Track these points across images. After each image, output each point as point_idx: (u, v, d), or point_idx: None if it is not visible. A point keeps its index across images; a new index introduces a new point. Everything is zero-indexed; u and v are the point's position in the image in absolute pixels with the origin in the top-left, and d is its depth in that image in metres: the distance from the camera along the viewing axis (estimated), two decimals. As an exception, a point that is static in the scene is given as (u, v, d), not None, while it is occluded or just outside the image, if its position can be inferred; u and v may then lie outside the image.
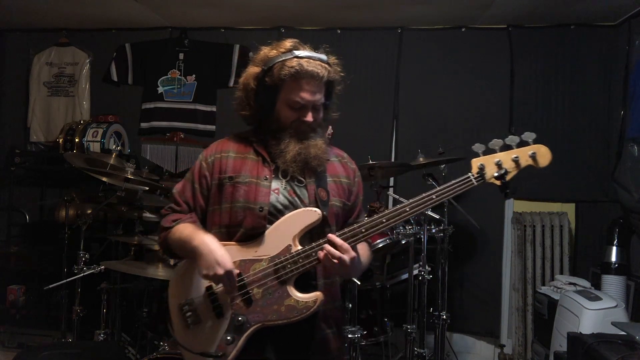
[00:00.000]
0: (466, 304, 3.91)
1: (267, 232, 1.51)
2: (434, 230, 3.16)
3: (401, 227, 2.99)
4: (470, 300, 3.91)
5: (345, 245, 1.42)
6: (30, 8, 4.01)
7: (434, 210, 3.07)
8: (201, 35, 4.35)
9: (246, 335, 1.47)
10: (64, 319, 3.15)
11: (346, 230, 1.47)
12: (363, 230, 1.47)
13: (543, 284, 3.71)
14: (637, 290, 3.28)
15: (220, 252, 1.44)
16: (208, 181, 1.59)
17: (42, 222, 4.39)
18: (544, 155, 1.47)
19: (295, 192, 1.56)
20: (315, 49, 1.57)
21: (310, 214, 1.49)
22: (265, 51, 1.58)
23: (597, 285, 3.44)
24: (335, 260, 1.41)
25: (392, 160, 3.98)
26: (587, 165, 3.77)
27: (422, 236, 3.03)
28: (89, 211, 3.27)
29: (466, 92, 3.96)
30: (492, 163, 1.48)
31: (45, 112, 4.51)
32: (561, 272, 3.71)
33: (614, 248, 3.40)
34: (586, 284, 3.38)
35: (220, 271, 1.41)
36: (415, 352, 3.00)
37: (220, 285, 1.47)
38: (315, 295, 1.47)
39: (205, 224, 1.60)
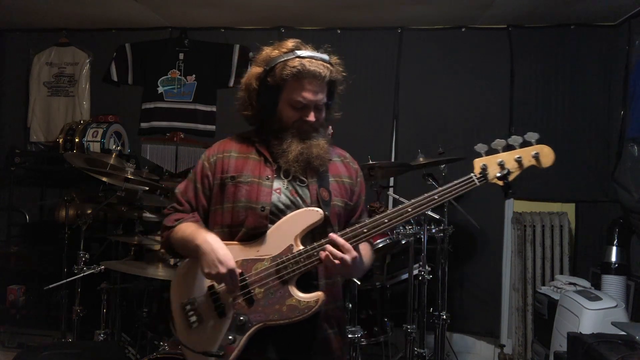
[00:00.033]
0: (466, 304, 3.91)
1: (269, 231, 1.51)
2: (434, 230, 3.16)
3: (401, 227, 2.99)
4: (470, 300, 3.91)
5: (347, 245, 1.42)
6: (30, 8, 4.01)
7: (434, 210, 3.07)
8: (201, 35, 4.35)
9: (248, 335, 1.47)
10: (64, 319, 3.15)
11: (348, 230, 1.47)
12: (365, 230, 1.47)
13: (543, 284, 3.71)
14: (637, 290, 3.28)
15: (223, 251, 1.44)
16: (210, 181, 1.60)
17: (42, 222, 4.39)
18: (547, 155, 1.46)
19: (297, 192, 1.56)
20: (316, 49, 1.57)
21: (312, 214, 1.49)
22: (267, 51, 1.58)
23: (597, 285, 3.44)
24: (336, 261, 1.41)
25: (392, 160, 3.98)
26: (587, 165, 3.77)
27: (422, 236, 3.03)
28: (89, 211, 3.27)
29: (466, 92, 3.96)
30: (494, 163, 1.47)
31: (45, 112, 4.51)
32: (561, 272, 3.71)
33: (614, 248, 3.40)
34: (586, 284, 3.38)
35: (223, 270, 1.41)
36: (415, 352, 3.00)
37: (223, 284, 1.48)
38: (317, 295, 1.47)
39: (208, 224, 1.61)
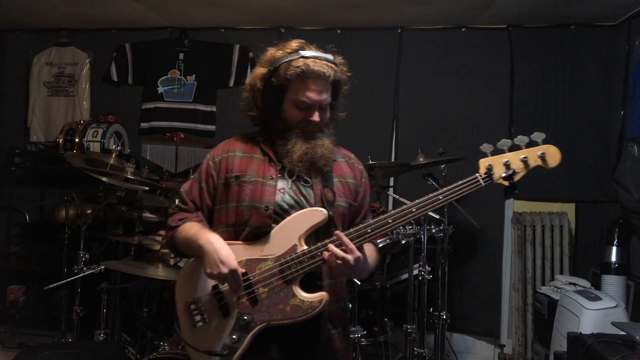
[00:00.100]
0: (466, 304, 3.91)
1: (273, 231, 1.51)
2: (434, 230, 3.16)
3: (401, 227, 2.99)
4: (470, 300, 3.91)
5: (351, 245, 1.42)
6: (30, 8, 4.01)
7: (434, 210, 3.06)
8: (201, 35, 4.35)
9: (251, 335, 1.47)
10: (64, 319, 3.15)
11: (352, 230, 1.47)
12: (369, 230, 1.47)
13: (543, 284, 3.71)
14: (637, 290, 3.28)
15: (225, 251, 1.44)
16: (215, 180, 1.60)
17: (42, 222, 4.39)
18: (554, 155, 1.46)
19: (301, 192, 1.56)
20: (320, 49, 1.58)
21: (316, 214, 1.49)
22: (272, 52, 1.59)
23: (597, 285, 3.44)
24: (339, 261, 1.41)
25: (392, 160, 3.98)
26: (587, 165, 3.78)
27: (422, 236, 3.04)
28: (89, 211, 3.26)
29: (466, 92, 3.96)
30: (500, 163, 1.46)
31: (45, 112, 4.51)
32: (561, 272, 3.71)
33: (614, 248, 3.40)
34: (586, 284, 3.38)
35: (225, 270, 1.42)
36: (415, 352, 3.00)
37: (226, 284, 1.48)
38: (321, 295, 1.47)
39: (212, 223, 1.61)
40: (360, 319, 2.90)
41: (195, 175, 1.66)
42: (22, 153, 4.27)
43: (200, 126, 4.33)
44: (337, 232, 1.45)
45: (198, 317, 1.54)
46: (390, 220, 1.47)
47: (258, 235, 1.52)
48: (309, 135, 1.56)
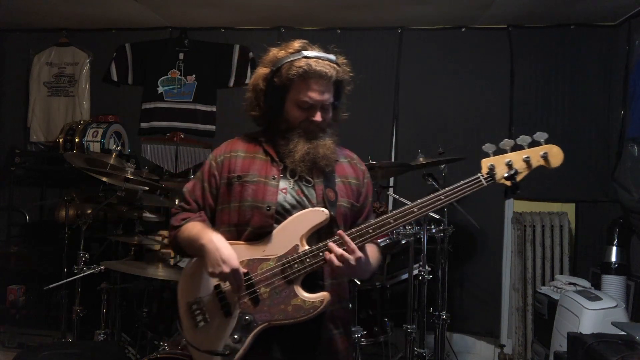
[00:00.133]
0: (466, 304, 3.91)
1: (274, 231, 1.52)
2: (434, 230, 3.16)
3: (401, 227, 2.99)
4: (470, 300, 3.91)
5: (352, 244, 1.42)
6: (30, 8, 4.01)
7: (435, 210, 3.06)
8: (201, 35, 4.35)
9: (253, 335, 1.48)
10: (64, 319, 3.15)
11: (353, 230, 1.47)
12: (370, 230, 1.47)
13: (543, 284, 3.71)
14: (637, 290, 3.28)
15: (227, 251, 1.45)
16: (217, 180, 1.61)
17: (42, 222, 4.39)
18: (556, 155, 1.45)
19: (303, 192, 1.56)
20: (323, 49, 1.58)
21: (318, 214, 1.50)
22: (274, 52, 1.60)
23: (597, 285, 3.44)
24: (340, 262, 1.41)
25: (392, 160, 3.98)
26: (587, 165, 3.78)
27: (422, 236, 3.04)
28: (89, 211, 3.27)
29: (466, 92, 3.96)
30: (502, 163, 1.46)
31: (45, 112, 4.51)
32: (561, 272, 3.71)
33: (614, 248, 3.40)
34: (586, 284, 3.38)
35: (226, 269, 1.42)
36: (415, 352, 3.00)
37: (228, 284, 1.49)
38: (322, 295, 1.47)
39: (215, 223, 1.62)
40: (360, 319, 2.90)
41: (198, 175, 1.67)
42: (22, 153, 4.27)
43: (200, 126, 4.33)
44: (339, 231, 1.45)
45: (200, 317, 1.54)
46: (392, 221, 1.47)
47: (260, 235, 1.53)
48: (311, 135, 1.56)
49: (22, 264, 3.88)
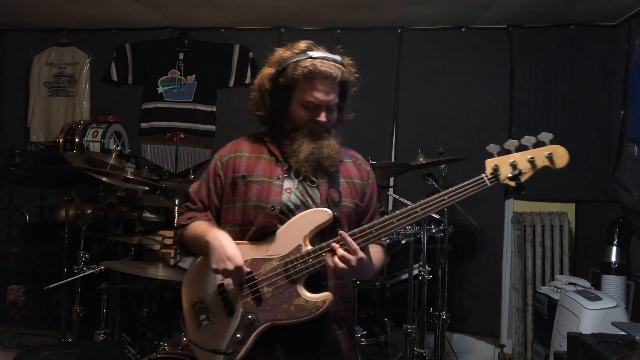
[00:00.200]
0: (466, 304, 3.91)
1: (278, 231, 1.52)
2: (434, 230, 3.16)
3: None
4: (470, 300, 3.91)
5: (354, 245, 1.42)
6: (30, 8, 4.01)
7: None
8: (201, 35, 4.35)
9: (256, 334, 1.48)
10: (64, 319, 3.15)
11: (356, 230, 1.47)
12: (373, 231, 1.47)
13: (543, 284, 3.71)
14: (637, 290, 3.28)
15: (232, 249, 1.46)
16: (222, 180, 1.62)
17: (42, 222, 4.39)
18: (561, 156, 1.45)
19: (307, 192, 1.57)
20: (329, 50, 1.58)
21: (321, 214, 1.50)
22: (280, 52, 1.60)
23: (597, 285, 3.44)
24: (342, 263, 1.41)
25: (392, 160, 3.98)
26: (587, 165, 3.77)
27: (422, 236, 3.03)
28: (89, 211, 3.26)
29: (466, 92, 3.96)
30: (506, 164, 1.45)
31: (45, 112, 4.51)
32: (561, 272, 3.71)
33: (614, 248, 3.40)
34: (586, 284, 3.38)
35: (230, 266, 1.43)
36: (415, 352, 3.00)
37: (231, 283, 1.49)
38: (325, 295, 1.47)
39: (220, 223, 1.62)
40: (360, 319, 2.90)
41: (203, 176, 1.68)
42: (22, 153, 4.27)
43: (200, 126, 4.33)
44: (340, 232, 1.46)
45: (203, 316, 1.55)
46: (395, 221, 1.47)
47: (264, 235, 1.53)
48: (315, 135, 1.56)
49: (22, 264, 3.88)
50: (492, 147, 1.47)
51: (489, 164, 1.46)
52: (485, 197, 3.54)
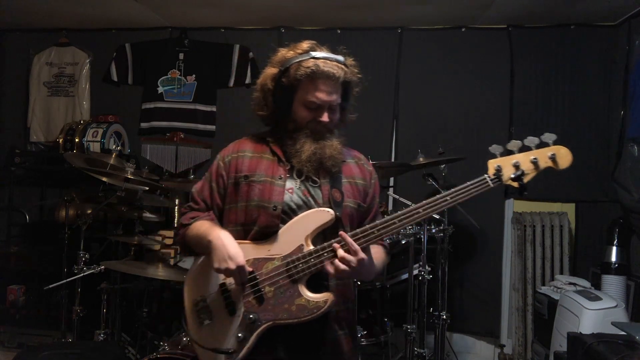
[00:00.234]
0: (466, 304, 3.91)
1: (280, 231, 1.52)
2: (434, 230, 3.16)
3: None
4: (470, 300, 3.91)
5: (355, 246, 1.43)
6: (30, 8, 4.01)
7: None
8: (201, 35, 4.35)
9: (257, 334, 1.48)
10: (64, 319, 3.15)
11: (358, 231, 1.48)
12: (375, 231, 1.47)
13: (543, 284, 3.71)
14: (637, 290, 3.28)
15: (234, 248, 1.46)
16: (225, 180, 1.62)
17: (42, 222, 4.39)
18: (565, 156, 1.45)
19: (309, 192, 1.57)
20: (332, 50, 1.59)
21: (323, 214, 1.50)
22: (283, 52, 1.60)
23: (597, 285, 3.44)
24: (343, 265, 1.41)
25: (392, 160, 3.98)
26: (587, 165, 3.77)
27: (422, 236, 3.03)
28: (89, 211, 3.26)
29: (466, 92, 3.96)
30: (509, 164, 1.45)
31: (45, 112, 4.51)
32: (561, 272, 3.71)
33: (614, 248, 3.40)
34: (586, 284, 3.38)
35: (232, 266, 1.43)
36: (415, 352, 3.00)
37: (233, 282, 1.49)
38: (326, 295, 1.47)
39: (222, 223, 1.63)
40: (360, 319, 2.90)
41: (206, 176, 1.69)
42: (22, 153, 4.27)
43: (200, 126, 4.32)
44: (341, 232, 1.46)
45: (205, 315, 1.56)
46: (397, 221, 1.47)
47: (266, 234, 1.53)
48: (318, 135, 1.57)
49: (22, 264, 3.88)
50: (495, 148, 1.47)
51: (492, 164, 1.46)
52: (486, 197, 3.52)
